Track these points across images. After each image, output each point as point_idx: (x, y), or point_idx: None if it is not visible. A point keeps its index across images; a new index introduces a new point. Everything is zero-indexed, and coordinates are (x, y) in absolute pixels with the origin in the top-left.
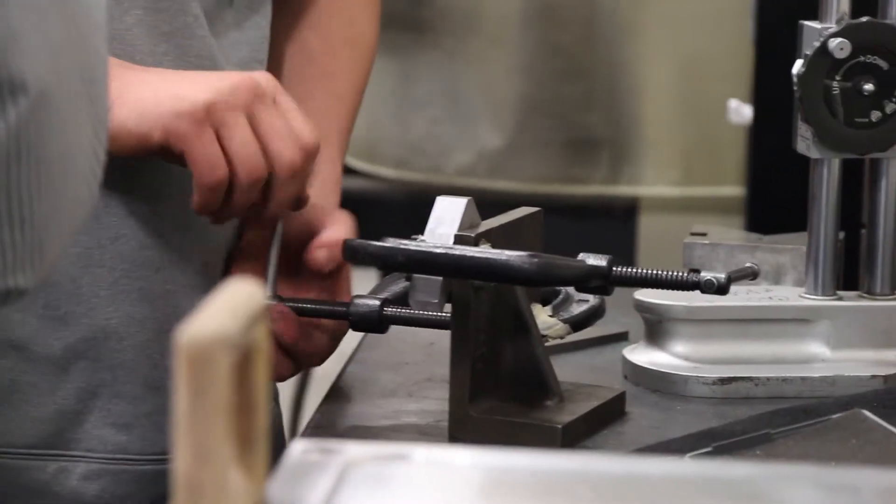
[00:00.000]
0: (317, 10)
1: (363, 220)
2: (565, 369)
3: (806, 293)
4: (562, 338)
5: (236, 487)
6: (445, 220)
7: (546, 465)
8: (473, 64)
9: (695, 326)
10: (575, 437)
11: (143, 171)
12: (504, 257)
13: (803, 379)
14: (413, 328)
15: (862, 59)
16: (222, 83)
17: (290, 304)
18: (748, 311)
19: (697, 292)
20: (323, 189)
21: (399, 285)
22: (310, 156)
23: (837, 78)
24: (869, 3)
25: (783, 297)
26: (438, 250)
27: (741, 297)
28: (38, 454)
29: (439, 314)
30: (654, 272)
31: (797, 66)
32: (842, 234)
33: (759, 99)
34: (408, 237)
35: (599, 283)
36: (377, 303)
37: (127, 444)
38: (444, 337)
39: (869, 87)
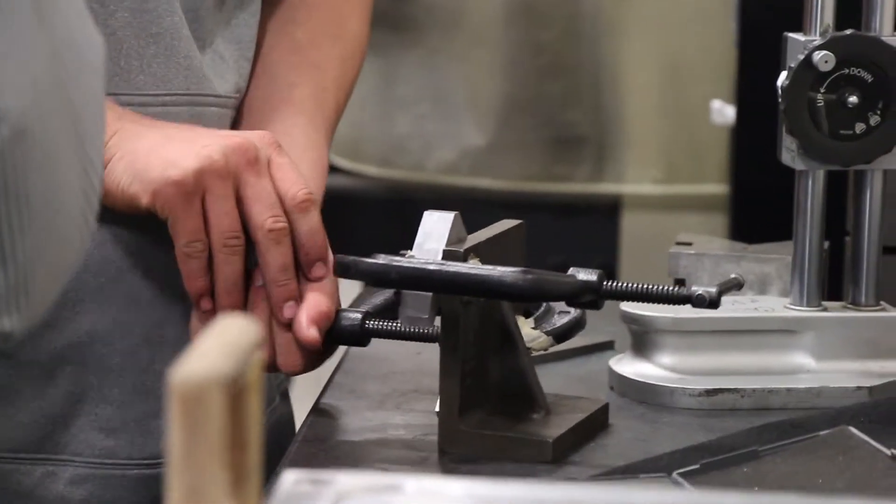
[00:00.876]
0: (304, 7)
1: (346, 217)
2: (551, 380)
3: (791, 304)
4: (545, 350)
5: None
6: (433, 236)
7: (538, 495)
8: (456, 62)
9: (681, 338)
10: (564, 450)
11: None
12: (498, 274)
13: (789, 390)
14: None
15: (846, 71)
16: (215, 148)
17: None
18: (734, 322)
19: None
20: (309, 174)
21: (381, 297)
22: (304, 211)
23: (822, 90)
24: (853, 15)
25: (769, 308)
26: (432, 267)
27: (727, 307)
28: (24, 458)
29: (423, 328)
30: (645, 287)
31: (782, 79)
32: (826, 243)
33: (742, 100)
34: (393, 240)
35: (590, 297)
36: (359, 316)
37: (115, 449)
38: (430, 346)
39: (853, 99)
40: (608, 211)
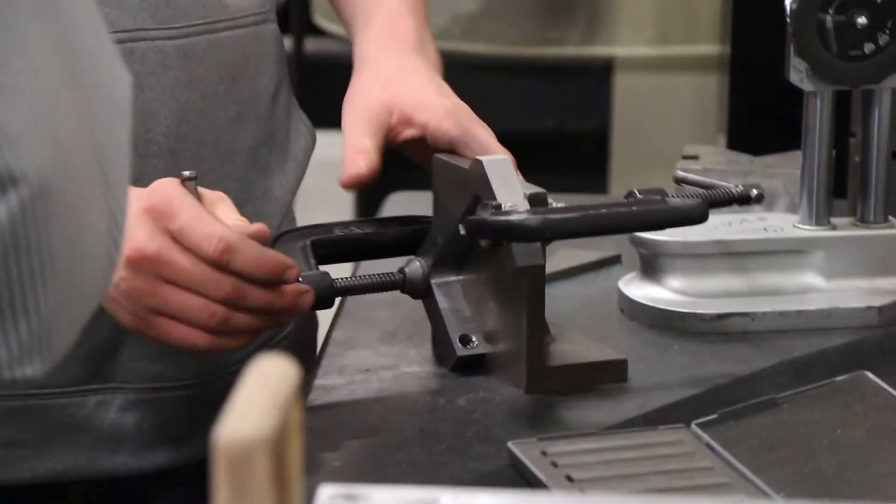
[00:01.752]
0: None
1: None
2: (561, 302)
3: (800, 223)
4: None
5: None
6: (507, 182)
7: None
8: None
9: (690, 261)
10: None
11: (160, 115)
12: (672, 206)
13: (799, 312)
14: None
15: None
16: (124, 270)
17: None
18: (743, 244)
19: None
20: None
21: (299, 245)
22: (229, 260)
23: (831, 11)
24: None
25: (777, 228)
26: (618, 210)
27: (735, 228)
28: (75, 391)
29: (388, 276)
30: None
31: (790, 0)
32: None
33: None
34: None
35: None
36: (328, 277)
37: (162, 372)
38: None
39: (862, 20)
40: (601, 73)
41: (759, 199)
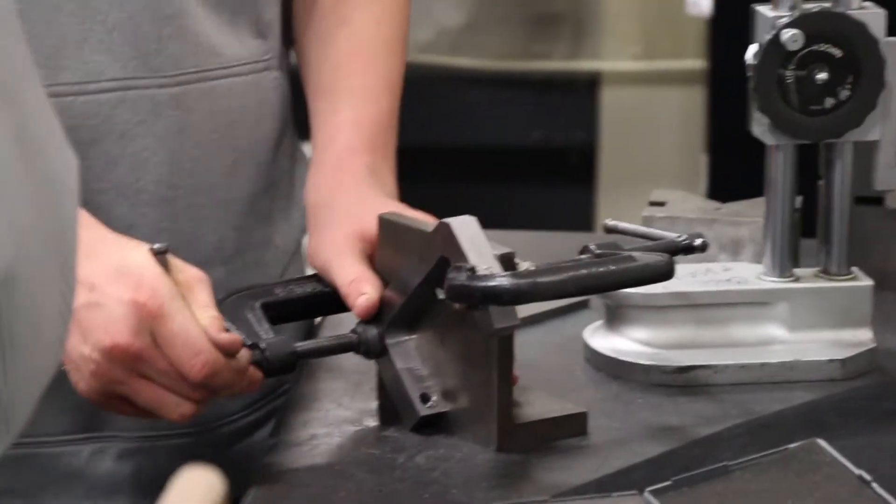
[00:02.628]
0: None
1: None
2: (528, 348)
3: (764, 275)
4: None
5: None
6: (476, 242)
7: None
8: None
9: (653, 312)
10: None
11: (152, 163)
12: (644, 262)
13: (762, 365)
14: None
15: (815, 47)
16: (100, 356)
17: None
18: (706, 296)
19: None
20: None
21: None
22: (209, 379)
23: (791, 67)
24: None
25: (742, 279)
26: (601, 270)
27: (700, 279)
28: (72, 439)
29: (343, 338)
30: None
31: (750, 55)
32: (799, 200)
33: None
34: None
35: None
36: (291, 344)
37: (158, 421)
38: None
39: (822, 75)
40: (587, 87)
41: (702, 248)
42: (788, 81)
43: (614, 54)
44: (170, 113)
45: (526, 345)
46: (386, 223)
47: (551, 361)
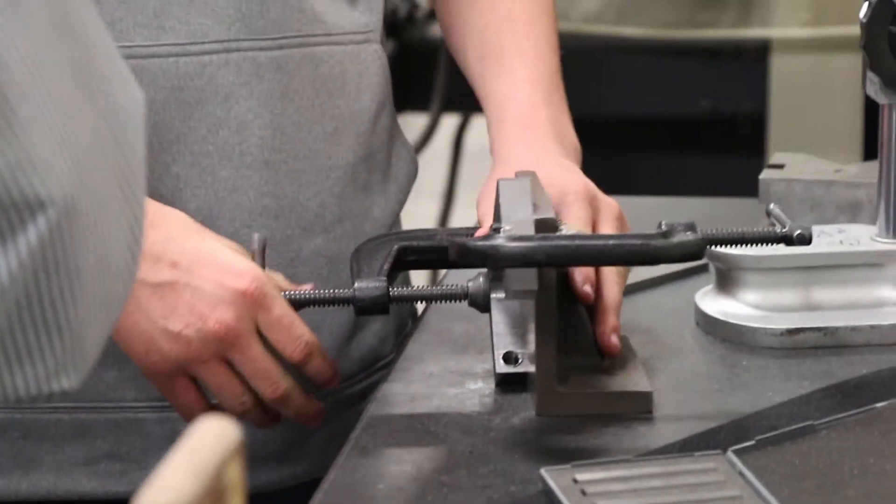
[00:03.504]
0: None
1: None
2: (640, 313)
3: (878, 236)
4: None
5: None
6: (519, 204)
7: None
8: None
9: (764, 275)
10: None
11: (255, 125)
12: (641, 242)
13: (872, 327)
14: None
15: None
16: (193, 336)
17: (293, 295)
18: (818, 258)
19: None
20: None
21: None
22: (304, 364)
23: None
24: None
25: (854, 241)
26: (577, 243)
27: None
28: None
29: (445, 288)
30: (741, 231)
31: (862, 13)
32: None
33: None
34: None
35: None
36: (383, 285)
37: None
38: None
39: None
40: (756, 55)
41: (803, 241)
42: None
43: (783, 21)
44: (272, 76)
45: (641, 308)
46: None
47: (664, 325)
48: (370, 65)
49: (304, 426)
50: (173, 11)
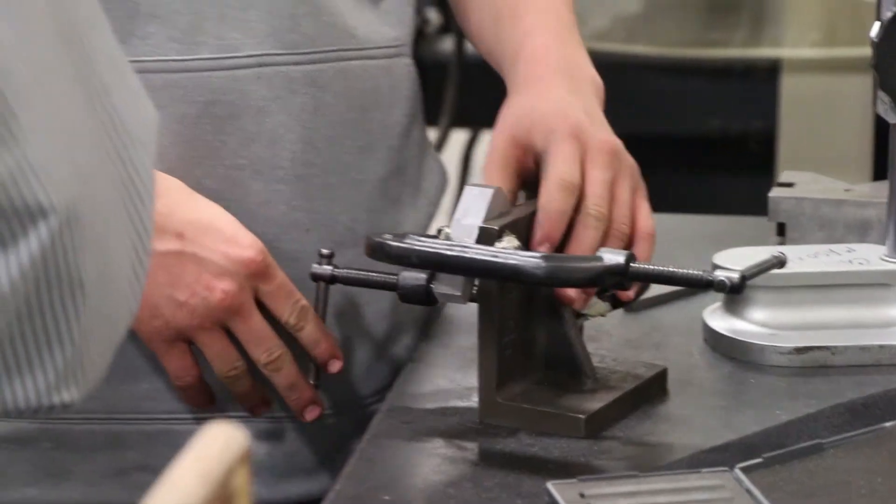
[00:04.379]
0: None
1: (493, 84)
2: (648, 329)
3: (887, 256)
4: (602, 315)
5: None
6: (472, 211)
7: None
8: None
9: (772, 293)
10: (602, 424)
11: (287, 139)
12: (513, 261)
13: (881, 347)
14: None
15: None
16: (198, 302)
17: (342, 272)
18: (827, 276)
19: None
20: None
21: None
22: (300, 330)
23: None
24: None
25: (863, 260)
26: (449, 252)
27: (821, 260)
28: (207, 417)
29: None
30: (671, 270)
31: (874, 32)
32: None
33: None
34: None
35: (615, 280)
36: (424, 276)
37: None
38: None
39: None
40: (767, 74)
41: (721, 288)
42: None
43: (794, 41)
44: (304, 90)
45: (649, 325)
46: None
47: (672, 342)
48: (402, 78)
49: (337, 440)
50: (206, 26)
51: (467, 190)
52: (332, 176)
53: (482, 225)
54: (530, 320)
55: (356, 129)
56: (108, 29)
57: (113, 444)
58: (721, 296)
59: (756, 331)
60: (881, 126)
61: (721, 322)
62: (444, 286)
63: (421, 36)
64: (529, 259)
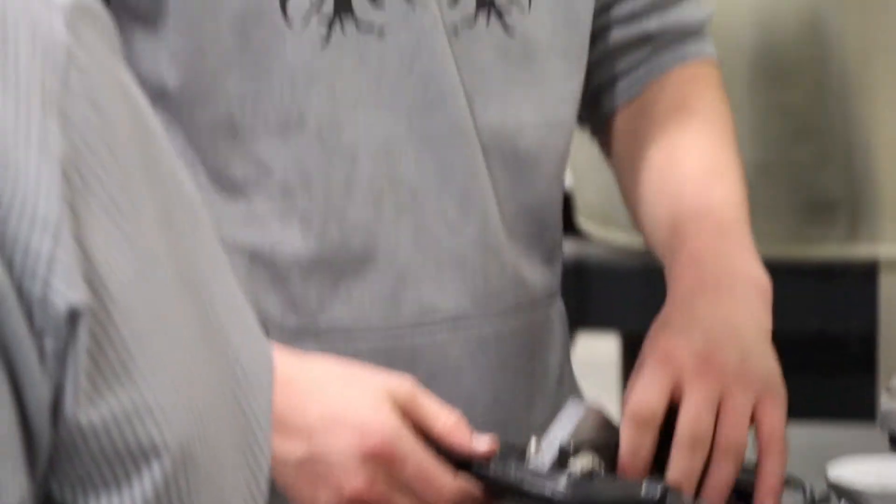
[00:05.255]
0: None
1: (598, 292)
2: None
3: None
4: None
5: None
6: (562, 424)
7: None
8: None
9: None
10: None
11: (480, 400)
12: (539, 484)
13: None
14: None
15: None
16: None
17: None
18: None
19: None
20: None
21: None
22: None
23: None
24: None
25: None
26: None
27: None
28: None
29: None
30: None
31: None
32: None
33: None
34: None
35: None
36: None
37: None
38: None
39: None
40: (865, 274)
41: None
42: None
43: (894, 239)
44: (493, 347)
45: None
46: None
47: None
48: (557, 324)
49: None
50: (407, 286)
51: (566, 407)
52: (510, 432)
53: (563, 444)
54: None
55: (526, 380)
56: (228, 269)
57: None
58: None
59: None
60: None
61: None
62: None
63: None
64: (549, 483)
